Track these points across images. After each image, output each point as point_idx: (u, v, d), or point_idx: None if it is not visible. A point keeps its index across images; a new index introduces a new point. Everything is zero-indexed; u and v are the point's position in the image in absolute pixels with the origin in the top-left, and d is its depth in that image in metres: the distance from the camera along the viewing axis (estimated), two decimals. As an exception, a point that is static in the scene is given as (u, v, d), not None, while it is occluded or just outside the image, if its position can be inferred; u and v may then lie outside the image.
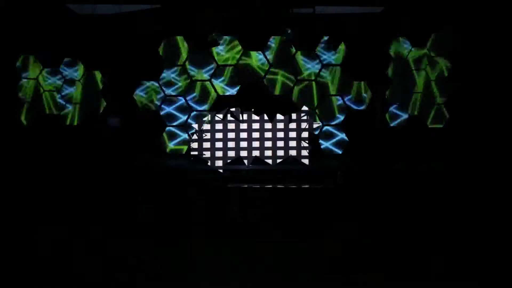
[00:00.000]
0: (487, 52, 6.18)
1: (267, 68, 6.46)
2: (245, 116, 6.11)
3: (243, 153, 6.12)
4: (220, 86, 6.40)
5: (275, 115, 6.13)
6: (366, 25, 6.46)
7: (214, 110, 6.25)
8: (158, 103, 6.43)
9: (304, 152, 6.09)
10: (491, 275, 4.03)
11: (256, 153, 6.08)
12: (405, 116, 6.63)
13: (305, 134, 6.16)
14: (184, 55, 6.48)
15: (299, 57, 6.44)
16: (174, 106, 6.53)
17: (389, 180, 6.17)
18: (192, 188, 6.06)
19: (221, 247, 5.01)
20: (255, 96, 6.45)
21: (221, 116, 6.09)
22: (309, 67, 6.48)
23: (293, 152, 6.10)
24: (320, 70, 6.48)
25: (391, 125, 6.65)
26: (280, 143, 6.11)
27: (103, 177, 6.15)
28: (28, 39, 6.40)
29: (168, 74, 6.44)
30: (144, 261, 4.48)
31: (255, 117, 6.15)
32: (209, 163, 6.03)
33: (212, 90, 6.39)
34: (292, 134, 6.04)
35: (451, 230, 5.44)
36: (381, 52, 6.57)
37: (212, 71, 6.47)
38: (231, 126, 6.16)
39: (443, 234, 5.34)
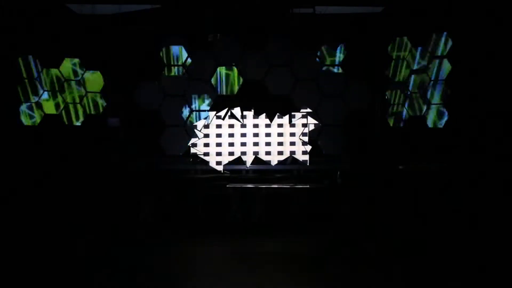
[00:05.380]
0: (487, 52, 6.18)
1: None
2: (245, 116, 6.10)
3: (243, 153, 6.12)
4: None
5: (275, 115, 6.13)
6: (366, 25, 6.46)
7: (214, 110, 6.25)
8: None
9: (304, 152, 6.08)
10: (490, 275, 4.04)
11: (256, 153, 6.07)
12: (405, 116, 6.64)
13: (305, 134, 6.15)
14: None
15: None
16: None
17: (390, 180, 6.17)
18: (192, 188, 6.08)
19: (221, 247, 5.01)
20: (255, 96, 6.45)
21: (221, 116, 6.08)
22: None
23: (293, 152, 6.10)
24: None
25: (392, 125, 6.67)
26: (280, 143, 6.10)
27: (103, 178, 6.16)
28: (28, 39, 6.40)
29: None
30: (144, 260, 4.48)
31: (255, 117, 6.15)
32: (209, 163, 6.02)
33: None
34: (292, 134, 6.04)
35: (451, 230, 5.45)
36: (381, 52, 6.57)
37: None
38: (231, 126, 6.15)
39: (443, 234, 5.34)
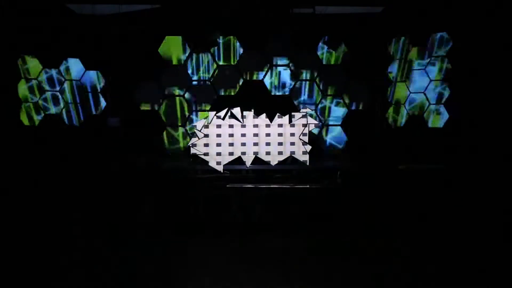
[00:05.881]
0: (487, 51, 6.18)
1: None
2: (245, 116, 6.10)
3: (243, 153, 6.11)
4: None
5: (275, 115, 6.13)
6: (366, 25, 6.46)
7: (214, 110, 6.25)
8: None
9: (304, 152, 6.08)
10: (490, 275, 4.04)
11: (256, 153, 6.07)
12: (405, 116, 6.65)
13: (305, 134, 6.15)
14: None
15: None
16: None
17: (390, 180, 6.17)
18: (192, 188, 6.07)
19: (221, 247, 5.01)
20: (255, 96, 6.46)
21: (221, 116, 6.09)
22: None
23: (293, 152, 6.10)
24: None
25: (392, 125, 6.67)
26: (280, 143, 6.10)
27: (103, 177, 6.16)
28: (28, 39, 6.40)
29: None
30: (144, 260, 4.48)
31: (255, 117, 6.15)
32: (209, 163, 6.02)
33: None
34: (292, 134, 6.04)
35: (451, 230, 5.45)
36: (381, 52, 6.57)
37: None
38: (231, 126, 6.15)
39: (443, 234, 5.34)
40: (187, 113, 6.53)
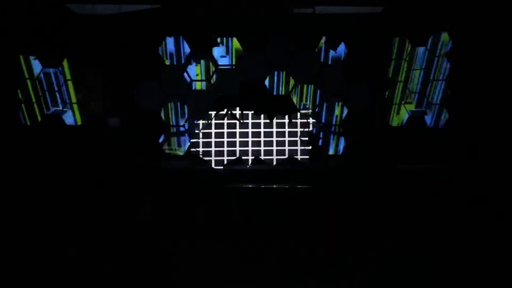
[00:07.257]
0: (487, 51, 6.18)
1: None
2: (245, 116, 6.11)
3: (243, 153, 6.12)
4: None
5: (275, 115, 6.14)
6: (366, 25, 6.46)
7: (214, 110, 6.25)
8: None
9: (304, 152, 6.09)
10: (491, 276, 4.04)
11: (256, 153, 6.08)
12: (405, 116, 6.65)
13: (305, 134, 6.15)
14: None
15: None
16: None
17: (390, 180, 6.17)
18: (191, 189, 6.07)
19: (221, 248, 5.02)
20: (255, 96, 6.45)
21: (221, 116, 6.10)
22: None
23: (293, 152, 6.11)
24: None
25: (391, 125, 6.67)
26: (280, 143, 6.11)
27: (103, 178, 6.16)
28: (28, 39, 6.40)
29: None
30: (143, 261, 4.49)
31: (255, 117, 6.15)
32: (209, 163, 6.03)
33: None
34: (292, 134, 6.05)
35: (451, 230, 5.45)
36: (381, 52, 6.57)
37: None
38: (231, 126, 6.16)
39: (443, 234, 5.34)
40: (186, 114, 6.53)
